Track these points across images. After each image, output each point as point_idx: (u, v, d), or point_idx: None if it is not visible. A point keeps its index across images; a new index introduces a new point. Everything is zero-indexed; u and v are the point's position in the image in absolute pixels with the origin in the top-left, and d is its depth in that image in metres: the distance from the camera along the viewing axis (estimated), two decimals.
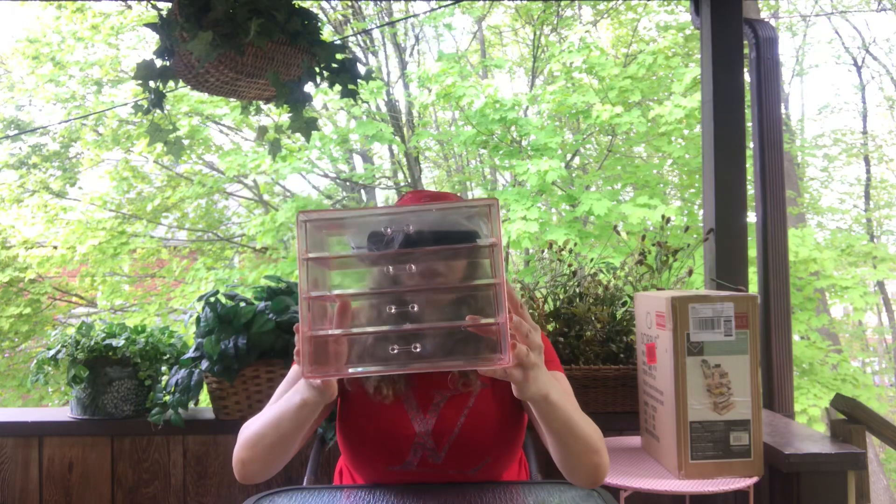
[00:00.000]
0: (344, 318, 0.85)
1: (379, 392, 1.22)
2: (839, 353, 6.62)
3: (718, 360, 1.57)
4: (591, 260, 2.25)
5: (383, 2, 8.32)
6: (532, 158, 6.21)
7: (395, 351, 0.82)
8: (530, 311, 2.08)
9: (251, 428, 1.14)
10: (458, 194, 8.93)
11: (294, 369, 1.25)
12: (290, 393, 1.06)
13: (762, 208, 2.34)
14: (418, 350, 0.82)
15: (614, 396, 2.02)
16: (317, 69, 1.71)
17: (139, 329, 2.12)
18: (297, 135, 1.75)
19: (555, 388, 1.00)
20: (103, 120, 7.58)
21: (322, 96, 7.24)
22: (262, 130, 1.94)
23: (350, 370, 0.87)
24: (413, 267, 0.81)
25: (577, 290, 2.11)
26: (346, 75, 1.73)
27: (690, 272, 2.19)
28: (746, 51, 2.43)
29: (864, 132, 12.53)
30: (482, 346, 0.83)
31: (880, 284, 11.36)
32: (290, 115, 1.72)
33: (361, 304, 0.86)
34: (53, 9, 7.35)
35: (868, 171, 12.00)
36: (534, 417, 1.22)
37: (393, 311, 0.81)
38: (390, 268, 0.82)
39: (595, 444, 1.09)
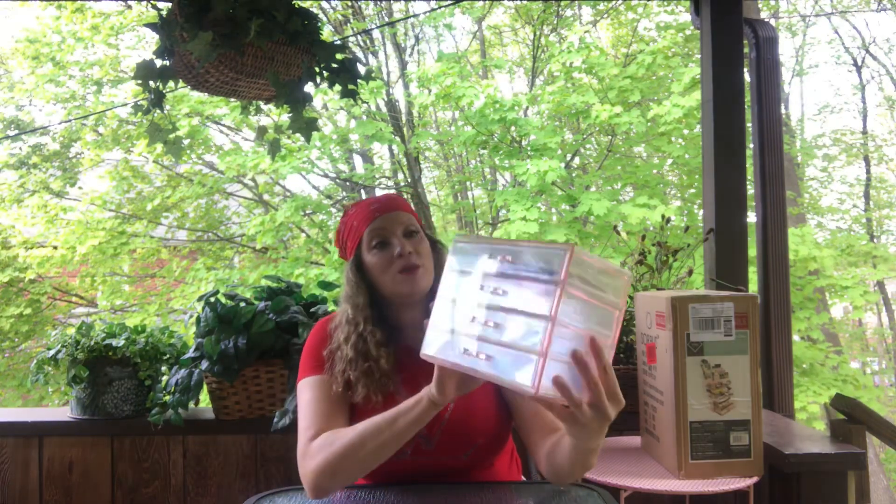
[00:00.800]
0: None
1: (368, 400, 1.25)
2: (839, 354, 6.62)
3: (718, 360, 1.57)
4: None
5: (383, 2, 8.32)
6: (532, 158, 6.21)
7: (466, 352, 0.96)
8: None
9: (346, 436, 1.14)
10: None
11: (315, 381, 1.28)
12: (413, 398, 1.11)
13: (762, 208, 2.34)
14: (482, 358, 0.93)
15: None
16: (317, 69, 1.71)
17: (139, 329, 2.12)
18: (298, 135, 1.75)
19: (599, 447, 1.05)
20: (103, 120, 7.57)
21: (322, 96, 7.23)
22: (262, 130, 1.94)
23: (430, 356, 1.03)
24: (503, 290, 0.95)
25: None
26: (346, 75, 1.73)
27: (690, 272, 2.19)
28: (746, 51, 2.43)
29: (864, 132, 12.53)
30: (527, 372, 0.91)
31: (880, 284, 11.36)
32: (291, 115, 1.72)
33: (458, 308, 1.01)
34: (53, 9, 7.34)
35: (868, 171, 12.00)
36: (537, 427, 1.25)
37: (474, 320, 0.96)
38: (484, 286, 0.98)
39: (590, 467, 1.13)
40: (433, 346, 1.03)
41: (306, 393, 1.28)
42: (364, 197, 8.79)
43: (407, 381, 1.29)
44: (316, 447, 1.17)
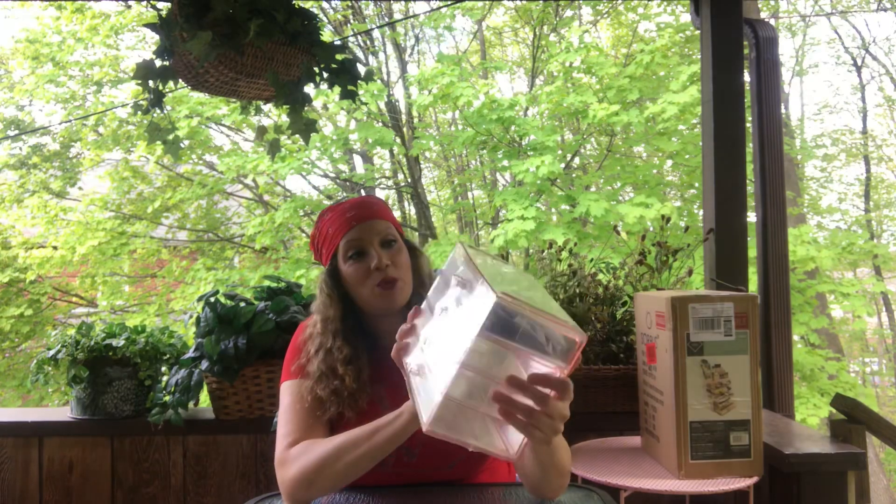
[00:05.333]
0: None
1: (341, 417, 1.23)
2: (839, 359, 6.60)
3: (718, 360, 1.57)
4: (591, 260, 2.25)
5: (383, 2, 8.31)
6: (530, 158, 6.21)
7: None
8: None
9: (323, 447, 1.12)
10: (451, 197, 8.89)
11: (293, 386, 1.25)
12: (394, 412, 1.09)
13: (762, 208, 2.34)
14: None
15: (614, 396, 2.02)
16: (316, 70, 1.71)
17: (139, 329, 2.12)
18: (297, 136, 1.75)
19: (557, 449, 1.06)
20: (103, 120, 7.58)
21: (322, 97, 7.23)
22: (262, 130, 1.93)
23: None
24: None
25: (577, 290, 2.11)
26: (345, 76, 1.73)
27: (690, 272, 2.19)
28: (746, 51, 2.43)
29: (864, 132, 12.53)
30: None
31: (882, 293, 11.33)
32: (290, 116, 1.72)
33: None
34: (53, 9, 7.34)
35: (868, 171, 12.00)
36: None
37: None
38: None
39: (566, 470, 1.12)
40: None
41: (287, 397, 1.25)
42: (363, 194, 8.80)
43: (390, 391, 1.26)
44: (293, 456, 1.15)
